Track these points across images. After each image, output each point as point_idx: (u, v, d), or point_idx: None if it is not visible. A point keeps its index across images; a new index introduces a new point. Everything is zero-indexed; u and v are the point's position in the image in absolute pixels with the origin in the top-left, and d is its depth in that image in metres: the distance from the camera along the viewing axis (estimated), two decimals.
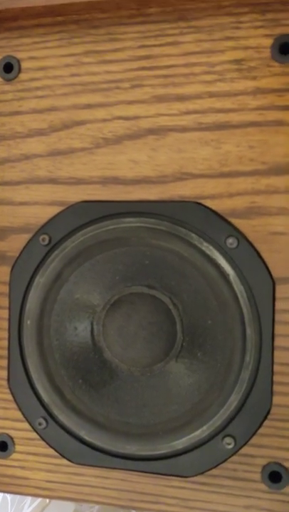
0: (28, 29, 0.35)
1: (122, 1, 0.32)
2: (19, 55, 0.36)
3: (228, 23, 0.33)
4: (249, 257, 0.33)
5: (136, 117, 0.34)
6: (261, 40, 0.32)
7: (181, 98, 0.34)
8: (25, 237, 0.37)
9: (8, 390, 0.37)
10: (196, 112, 0.34)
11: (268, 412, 0.33)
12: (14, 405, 0.37)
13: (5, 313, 0.38)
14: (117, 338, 0.36)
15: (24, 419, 0.37)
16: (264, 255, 0.33)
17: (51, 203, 0.36)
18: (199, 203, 0.33)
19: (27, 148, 0.36)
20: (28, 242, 0.36)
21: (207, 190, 0.34)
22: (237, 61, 0.33)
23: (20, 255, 0.37)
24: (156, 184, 0.34)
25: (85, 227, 0.35)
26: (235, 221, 0.33)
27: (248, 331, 0.33)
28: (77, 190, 0.36)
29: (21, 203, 0.37)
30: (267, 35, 0.32)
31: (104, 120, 0.35)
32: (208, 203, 0.33)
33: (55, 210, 0.36)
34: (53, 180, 0.36)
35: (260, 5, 0.32)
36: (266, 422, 0.33)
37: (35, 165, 0.36)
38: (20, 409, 0.37)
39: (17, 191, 0.37)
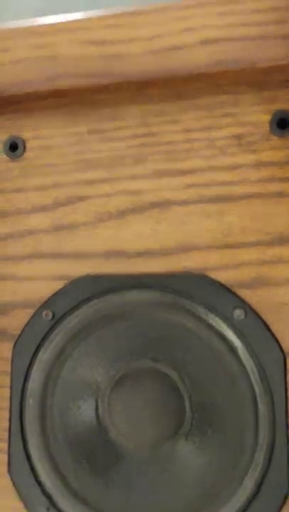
0: (32, 110, 0.37)
1: (124, 83, 0.34)
2: (24, 135, 0.37)
3: (227, 101, 0.34)
4: (257, 329, 0.32)
5: (139, 191, 0.35)
6: (259, 116, 0.33)
7: (182, 172, 0.34)
8: (28, 313, 0.36)
9: (8, 477, 0.35)
10: (197, 185, 0.34)
11: (286, 497, 0.30)
12: (14, 494, 0.35)
13: (6, 392, 0.36)
14: (122, 417, 0.34)
15: (25, 511, 0.35)
16: (273, 327, 0.32)
17: (54, 278, 0.36)
18: (204, 275, 0.33)
19: (31, 223, 0.37)
20: (31, 317, 0.36)
21: (212, 262, 0.33)
22: (236, 136, 0.34)
23: (22, 331, 0.36)
24: (161, 256, 0.34)
25: (88, 301, 0.34)
26: (241, 292, 0.32)
27: (260, 407, 0.31)
28: (81, 264, 0.35)
29: (24, 278, 0.36)
30: (265, 111, 0.33)
31: (108, 195, 0.35)
32: (213, 274, 0.33)
33: (58, 285, 0.36)
34: (56, 255, 0.36)
35: (257, 83, 0.34)
36: (285, 508, 0.30)
37: (39, 240, 0.36)
38: (21, 499, 0.35)
39: (20, 266, 0.37)
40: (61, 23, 0.34)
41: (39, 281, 0.36)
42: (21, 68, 0.35)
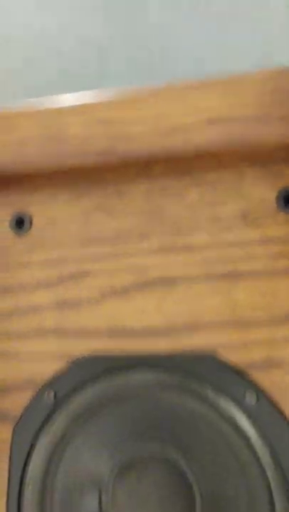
0: (39, 187, 0.37)
1: (129, 161, 0.34)
2: (30, 211, 0.37)
3: (232, 177, 0.34)
4: (270, 414, 0.30)
5: (143, 267, 0.34)
6: (265, 192, 0.33)
7: (188, 248, 0.34)
8: (30, 393, 0.34)
9: None
10: (204, 261, 0.33)
11: None
12: None
13: (4, 477, 0.34)
14: (127, 508, 0.32)
15: None
16: (287, 412, 0.30)
17: (58, 356, 0.35)
18: (213, 356, 0.32)
19: (35, 299, 0.36)
20: (33, 398, 0.34)
21: (220, 341, 0.32)
22: (243, 212, 0.33)
23: (23, 413, 0.34)
24: (166, 335, 0.33)
25: (91, 382, 0.33)
26: (253, 374, 0.31)
27: (276, 499, 0.29)
28: (85, 341, 0.34)
29: (27, 356, 0.35)
30: (270, 187, 0.33)
31: (112, 270, 0.35)
32: (222, 354, 0.32)
33: (61, 363, 0.34)
34: (60, 332, 0.35)
35: (262, 161, 0.34)
36: None
37: (43, 316, 0.35)
38: None
39: (23, 343, 0.35)
40: (68, 105, 0.35)
41: (42, 360, 0.35)
42: (29, 147, 0.35)
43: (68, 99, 0.36)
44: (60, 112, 0.35)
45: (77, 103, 0.35)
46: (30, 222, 0.37)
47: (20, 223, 0.37)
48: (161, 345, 0.33)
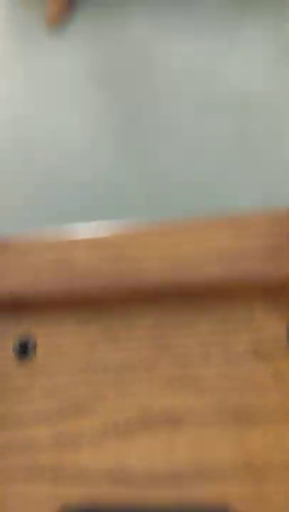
0: (45, 313, 0.37)
1: (138, 293, 0.34)
2: (35, 336, 0.36)
3: (242, 309, 0.34)
4: None
5: (149, 402, 0.32)
6: (275, 324, 0.32)
7: (197, 383, 0.32)
8: None
9: None
10: (213, 396, 0.31)
11: None
12: None
13: None
14: None
15: None
16: None
17: (51, 502, 0.31)
18: (225, 510, 0.28)
19: (31, 433, 0.33)
20: None
21: (233, 492, 0.29)
22: (253, 345, 0.32)
23: None
24: (172, 483, 0.30)
25: None
26: None
27: None
28: (81, 486, 0.31)
29: (17, 501, 0.32)
30: (281, 321, 0.32)
31: (116, 404, 0.33)
32: (235, 507, 0.28)
33: (54, 511, 0.31)
34: (56, 474, 0.32)
35: (271, 293, 0.33)
36: None
37: (38, 453, 0.32)
38: None
39: (14, 485, 0.32)
40: (80, 238, 0.35)
41: (33, 506, 0.31)
42: (41, 274, 0.35)
43: (81, 231, 0.37)
44: (72, 243, 0.36)
45: (90, 236, 0.36)
46: (35, 348, 0.36)
47: (24, 348, 0.36)
48: (166, 495, 0.30)
